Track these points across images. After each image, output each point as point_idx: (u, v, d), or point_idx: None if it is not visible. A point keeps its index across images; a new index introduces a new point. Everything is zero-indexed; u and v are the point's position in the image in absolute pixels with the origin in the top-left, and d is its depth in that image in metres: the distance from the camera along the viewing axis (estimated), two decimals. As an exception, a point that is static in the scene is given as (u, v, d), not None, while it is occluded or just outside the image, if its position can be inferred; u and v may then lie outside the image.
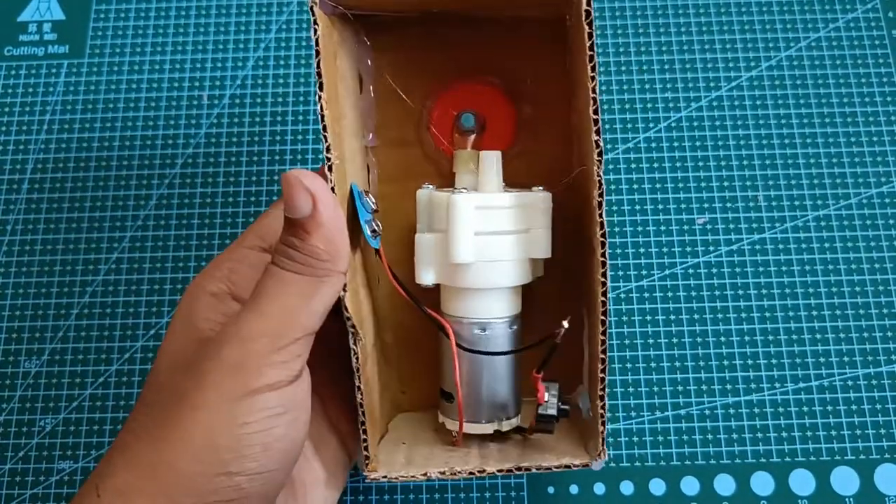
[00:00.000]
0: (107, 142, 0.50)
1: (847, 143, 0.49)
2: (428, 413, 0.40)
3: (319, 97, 0.31)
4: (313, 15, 0.31)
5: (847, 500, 0.42)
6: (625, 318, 0.46)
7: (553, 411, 0.35)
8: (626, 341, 0.45)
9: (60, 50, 0.53)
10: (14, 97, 0.52)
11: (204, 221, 0.48)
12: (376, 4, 0.37)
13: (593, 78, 0.31)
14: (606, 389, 0.34)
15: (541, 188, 0.37)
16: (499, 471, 0.34)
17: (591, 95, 0.31)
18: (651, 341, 0.45)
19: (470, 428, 0.36)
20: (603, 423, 0.34)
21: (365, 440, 0.34)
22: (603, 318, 0.33)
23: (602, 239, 0.32)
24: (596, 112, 0.31)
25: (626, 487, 0.43)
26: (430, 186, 0.37)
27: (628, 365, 0.45)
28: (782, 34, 0.52)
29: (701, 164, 0.49)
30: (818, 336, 0.45)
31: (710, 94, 0.50)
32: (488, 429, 0.36)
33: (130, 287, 0.47)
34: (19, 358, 0.46)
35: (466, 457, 0.36)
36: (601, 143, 0.32)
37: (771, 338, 0.45)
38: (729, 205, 0.48)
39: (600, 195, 0.32)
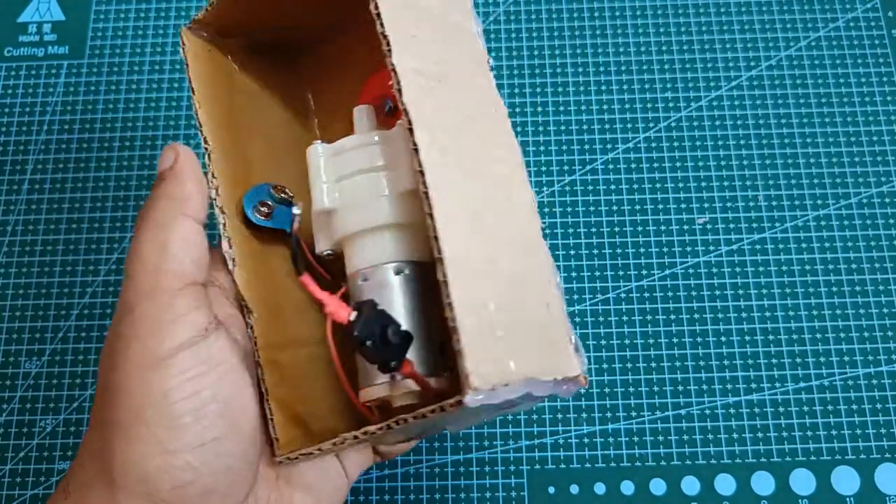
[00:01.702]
0: (107, 142, 0.50)
1: (847, 143, 0.49)
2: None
3: (193, 100, 0.36)
4: (181, 38, 0.36)
5: (848, 499, 0.42)
6: (625, 318, 0.46)
7: (362, 335, 0.28)
8: (627, 341, 0.45)
9: (60, 51, 0.53)
10: (14, 98, 0.52)
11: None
12: (241, 25, 0.37)
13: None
14: (458, 323, 0.27)
15: (398, 123, 0.33)
16: (379, 429, 0.29)
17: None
18: (651, 341, 0.45)
19: (363, 394, 0.32)
20: (462, 353, 0.27)
21: (271, 419, 0.32)
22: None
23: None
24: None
25: (627, 487, 0.43)
26: (319, 142, 0.34)
27: (628, 365, 0.45)
28: (782, 34, 0.52)
29: (701, 164, 0.49)
30: (818, 336, 0.45)
31: (709, 93, 0.50)
32: (382, 390, 0.31)
33: (131, 287, 0.47)
34: (20, 358, 0.46)
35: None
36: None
37: (771, 337, 0.45)
38: (729, 204, 0.48)
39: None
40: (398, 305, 0.31)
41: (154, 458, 0.26)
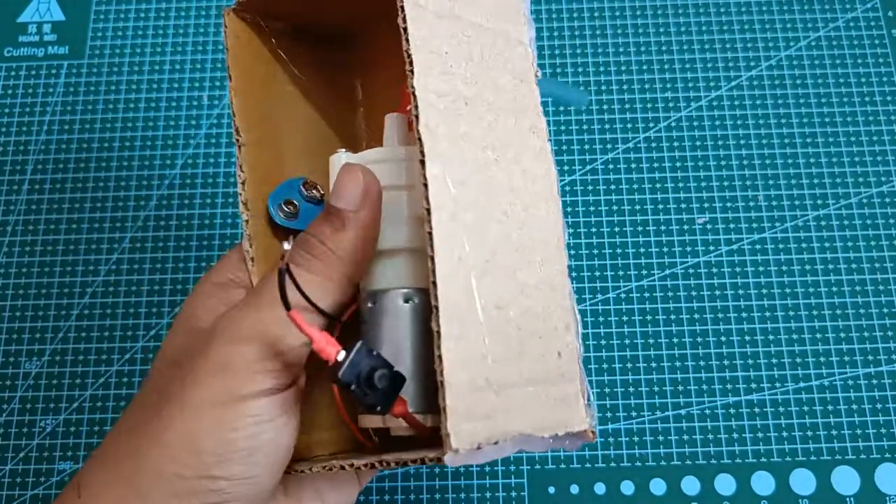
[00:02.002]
0: (107, 143, 0.50)
1: (847, 143, 0.49)
2: None
3: (230, 88, 0.33)
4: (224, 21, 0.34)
5: (848, 499, 0.42)
6: (625, 318, 0.46)
7: (346, 378, 0.27)
8: (626, 341, 0.45)
9: (60, 51, 0.53)
10: (14, 98, 0.52)
11: (204, 222, 0.48)
12: (290, 12, 0.35)
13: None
14: (445, 379, 0.26)
15: None
16: (364, 465, 0.28)
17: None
18: (651, 341, 0.45)
19: (361, 419, 0.31)
20: (445, 411, 0.26)
21: None
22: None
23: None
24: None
25: (627, 487, 0.43)
26: (342, 150, 0.33)
27: (628, 365, 0.45)
28: (782, 34, 0.52)
29: (701, 163, 0.49)
30: (818, 336, 0.45)
31: (709, 93, 0.50)
32: (376, 421, 0.30)
33: (131, 288, 0.47)
34: (20, 359, 0.46)
35: (357, 454, 0.32)
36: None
37: (771, 337, 0.45)
38: (729, 204, 0.48)
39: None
40: (403, 335, 0.30)
41: (194, 481, 0.27)
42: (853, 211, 0.48)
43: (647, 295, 0.46)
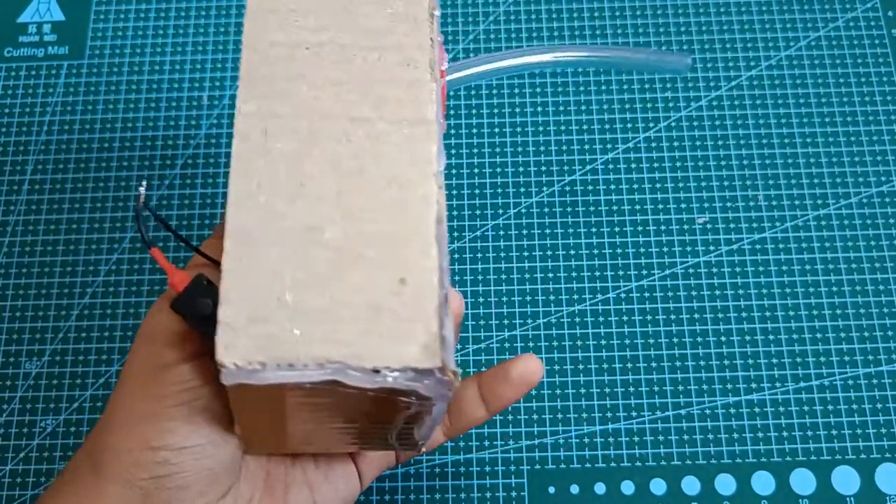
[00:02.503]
0: (107, 143, 0.50)
1: (847, 143, 0.49)
2: None
3: None
4: None
5: (848, 499, 0.42)
6: (625, 318, 0.46)
7: (177, 307, 0.27)
8: (627, 341, 0.45)
9: (60, 51, 0.53)
10: (14, 98, 0.52)
11: (204, 222, 0.48)
12: None
13: None
14: (223, 290, 0.25)
15: None
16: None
17: None
18: (651, 341, 0.45)
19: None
20: (217, 326, 0.25)
21: None
22: None
23: None
24: None
25: (627, 487, 0.43)
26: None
27: (628, 365, 0.45)
28: (782, 34, 0.52)
29: (701, 163, 0.49)
30: (818, 335, 0.45)
31: (709, 93, 0.50)
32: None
33: (131, 288, 0.47)
34: (20, 359, 0.46)
35: None
36: None
37: (771, 337, 0.45)
38: (729, 204, 0.48)
39: None
40: None
41: (135, 452, 0.28)
42: (853, 211, 0.48)
43: (647, 295, 0.46)
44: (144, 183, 0.29)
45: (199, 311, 0.26)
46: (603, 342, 0.45)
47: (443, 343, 0.24)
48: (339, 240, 0.26)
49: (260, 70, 0.28)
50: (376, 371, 0.24)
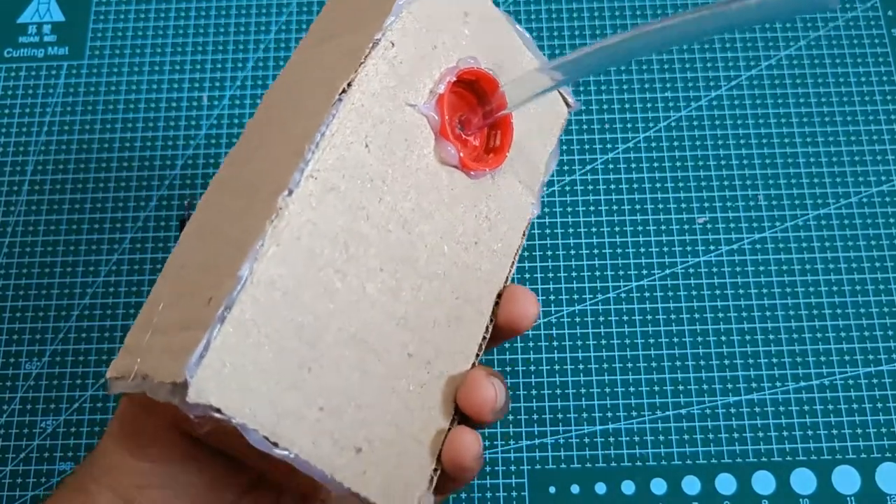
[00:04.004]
0: (107, 143, 0.50)
1: (847, 142, 0.49)
2: None
3: None
4: None
5: (848, 499, 0.42)
6: (625, 318, 0.46)
7: None
8: (627, 341, 0.45)
9: (60, 51, 0.53)
10: (14, 99, 0.52)
11: (204, 222, 0.48)
12: None
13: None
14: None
15: None
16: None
17: None
18: (651, 341, 0.45)
19: None
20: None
21: None
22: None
23: None
24: None
25: (628, 487, 0.43)
26: None
27: (629, 365, 0.45)
28: (782, 33, 0.52)
29: (701, 163, 0.49)
30: (819, 335, 0.45)
31: (709, 93, 0.50)
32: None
33: (131, 288, 0.47)
34: (20, 359, 0.46)
35: None
36: None
37: (771, 337, 0.45)
38: (729, 204, 0.48)
39: None
40: None
41: (123, 475, 0.28)
42: (853, 210, 0.48)
43: (647, 295, 0.46)
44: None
45: None
46: (603, 342, 0.45)
47: (198, 360, 0.23)
48: (192, 271, 0.27)
49: None
50: (170, 387, 0.24)
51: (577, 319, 0.46)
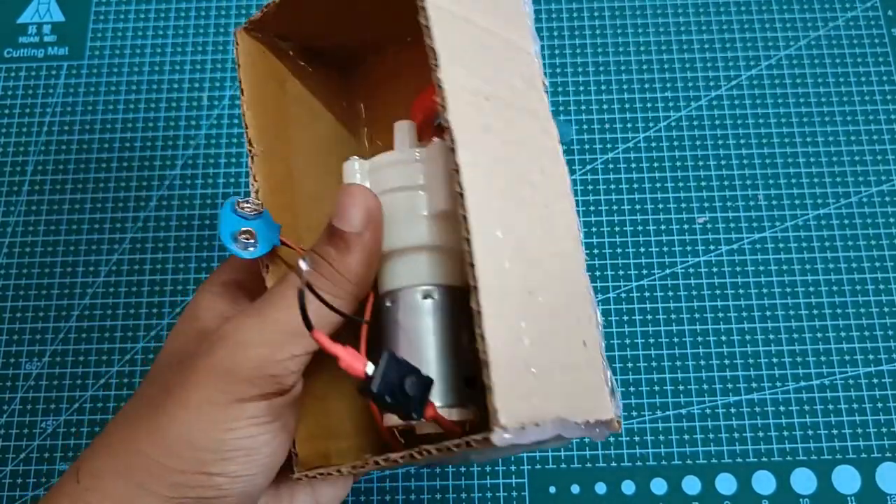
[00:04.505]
0: (107, 143, 0.50)
1: (847, 142, 0.49)
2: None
3: (242, 101, 0.34)
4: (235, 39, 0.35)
5: (849, 498, 0.42)
6: (625, 318, 0.46)
7: (381, 391, 0.27)
8: (627, 341, 0.45)
9: (60, 52, 0.53)
10: (14, 99, 0.52)
11: (204, 223, 0.48)
12: (303, 35, 0.37)
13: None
14: (489, 357, 0.26)
15: (437, 140, 0.32)
16: (402, 458, 0.29)
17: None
18: (651, 341, 0.45)
19: (387, 419, 0.31)
20: (491, 389, 0.26)
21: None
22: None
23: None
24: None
25: (628, 487, 0.43)
26: (356, 158, 0.33)
27: (629, 364, 0.45)
28: (782, 33, 0.52)
29: (701, 163, 0.49)
30: (819, 335, 0.45)
31: (709, 93, 0.50)
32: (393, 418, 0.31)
33: (131, 289, 0.47)
34: (20, 360, 0.46)
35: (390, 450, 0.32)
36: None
37: (772, 337, 0.45)
38: (729, 204, 0.48)
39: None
40: (424, 332, 0.30)
41: (191, 476, 0.28)
42: (853, 210, 0.48)
43: (647, 295, 0.46)
44: (306, 262, 0.27)
45: (406, 393, 0.27)
46: (603, 342, 0.45)
47: (614, 399, 0.29)
48: (548, 304, 0.28)
49: (459, 109, 0.28)
50: (584, 424, 0.27)
51: (578, 319, 0.46)
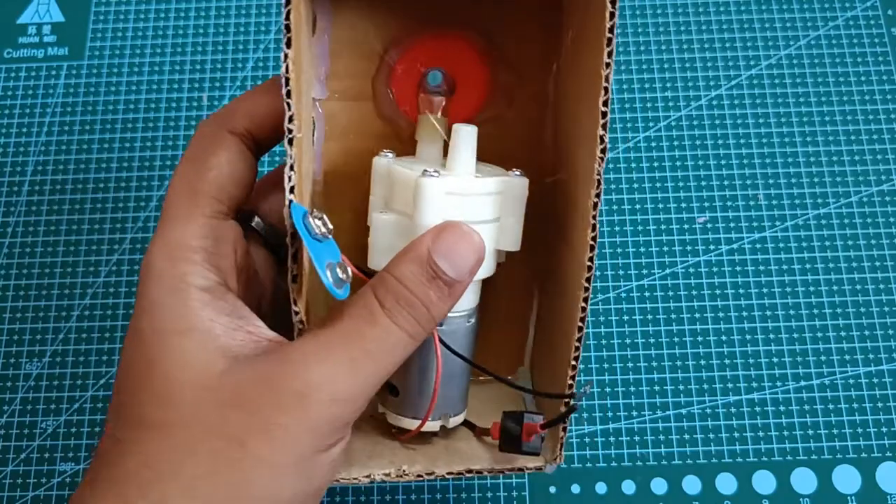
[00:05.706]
0: (107, 143, 0.50)
1: (847, 142, 0.49)
2: None
3: (286, 56, 0.26)
4: None
5: (849, 498, 0.42)
6: (625, 318, 0.46)
7: (537, 447, 0.31)
8: (627, 340, 0.45)
9: (60, 52, 0.53)
10: (14, 99, 0.52)
11: (204, 223, 0.48)
12: None
13: (608, 65, 0.29)
14: (576, 391, 0.31)
15: (517, 172, 0.32)
16: (448, 474, 0.31)
17: (604, 85, 0.28)
18: (651, 340, 0.45)
19: (418, 425, 0.33)
20: (564, 429, 0.32)
21: None
22: (581, 324, 0.30)
23: (592, 242, 0.29)
24: (606, 104, 0.28)
25: (628, 487, 0.43)
26: (390, 154, 0.32)
27: (629, 364, 0.45)
28: (781, 32, 0.52)
29: (701, 162, 0.49)
30: (819, 334, 0.45)
31: (709, 92, 0.50)
32: (435, 426, 0.33)
33: (131, 289, 0.47)
34: (20, 360, 0.46)
35: (413, 455, 0.33)
36: (606, 139, 0.29)
37: (772, 336, 0.45)
38: (729, 203, 0.48)
39: (597, 195, 0.29)
40: (467, 349, 0.33)
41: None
42: (853, 210, 0.48)
43: (647, 295, 0.46)
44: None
45: (534, 446, 0.31)
46: (603, 342, 0.45)
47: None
48: None
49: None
50: None
51: (578, 319, 0.46)
